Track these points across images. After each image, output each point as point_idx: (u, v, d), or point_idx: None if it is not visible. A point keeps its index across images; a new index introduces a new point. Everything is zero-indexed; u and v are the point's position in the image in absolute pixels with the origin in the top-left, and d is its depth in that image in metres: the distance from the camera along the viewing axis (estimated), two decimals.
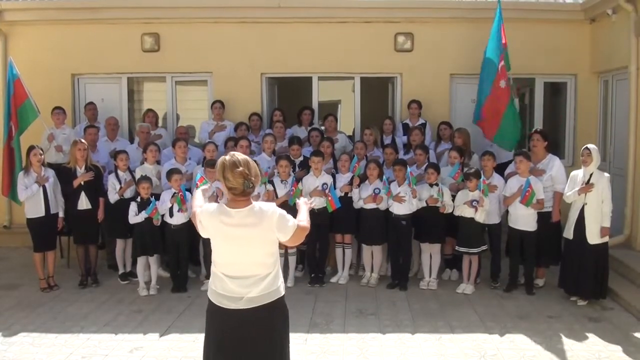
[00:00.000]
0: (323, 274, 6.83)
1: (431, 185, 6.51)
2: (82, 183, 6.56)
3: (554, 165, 6.45)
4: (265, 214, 3.00)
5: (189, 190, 6.55)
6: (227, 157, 3.02)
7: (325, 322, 5.57)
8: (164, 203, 6.41)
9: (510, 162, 6.93)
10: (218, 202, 6.62)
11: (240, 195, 2.99)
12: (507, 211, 6.48)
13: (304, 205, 3.31)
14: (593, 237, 5.85)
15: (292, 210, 3.39)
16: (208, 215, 3.06)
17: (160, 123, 8.49)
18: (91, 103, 8.10)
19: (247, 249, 2.99)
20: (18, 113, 7.02)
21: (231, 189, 2.99)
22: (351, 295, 6.37)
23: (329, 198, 6.46)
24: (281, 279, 3.12)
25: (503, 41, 7.26)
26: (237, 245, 2.99)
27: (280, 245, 3.15)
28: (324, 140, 7.21)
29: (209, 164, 6.56)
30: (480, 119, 7.49)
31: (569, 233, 6.03)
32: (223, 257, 3.04)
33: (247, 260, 3.00)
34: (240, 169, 2.95)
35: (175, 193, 6.40)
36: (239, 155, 3.04)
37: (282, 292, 3.11)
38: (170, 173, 6.47)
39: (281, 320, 3.13)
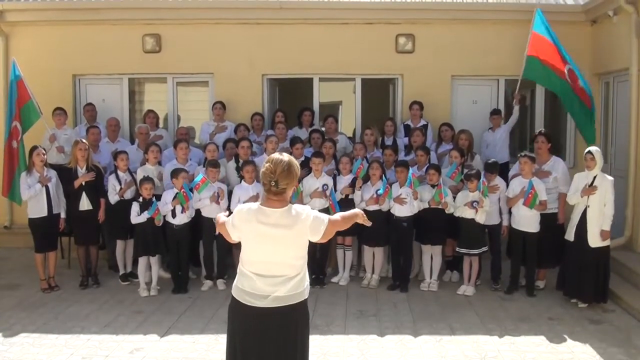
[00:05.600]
0: (324, 275, 6.84)
1: (433, 186, 6.51)
2: (83, 184, 6.55)
3: (558, 167, 6.46)
4: (299, 217, 3.01)
5: (191, 189, 6.55)
6: (273, 154, 3.08)
7: (326, 323, 5.56)
8: (166, 205, 6.41)
9: (508, 163, 6.92)
10: (219, 203, 6.56)
11: (269, 192, 3.00)
12: (510, 213, 6.48)
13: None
14: (594, 239, 5.84)
15: None
16: (244, 214, 3.05)
17: (161, 124, 8.49)
18: (90, 104, 8.10)
19: (279, 249, 3.00)
20: (21, 113, 7.03)
21: (263, 184, 3.03)
22: (352, 297, 6.36)
23: (329, 201, 6.46)
24: (307, 282, 3.13)
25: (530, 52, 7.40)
26: (269, 245, 2.99)
27: None
28: (325, 142, 7.21)
29: (210, 164, 6.56)
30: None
31: (570, 235, 6.02)
32: (254, 255, 3.04)
33: (277, 260, 3.01)
34: (267, 165, 2.99)
35: (178, 192, 6.39)
36: (280, 155, 3.04)
37: (306, 296, 3.12)
38: (176, 172, 6.47)
39: (303, 322, 3.14)
